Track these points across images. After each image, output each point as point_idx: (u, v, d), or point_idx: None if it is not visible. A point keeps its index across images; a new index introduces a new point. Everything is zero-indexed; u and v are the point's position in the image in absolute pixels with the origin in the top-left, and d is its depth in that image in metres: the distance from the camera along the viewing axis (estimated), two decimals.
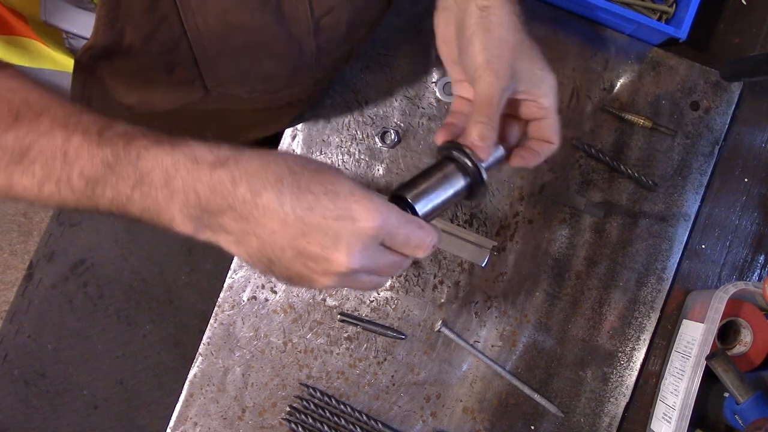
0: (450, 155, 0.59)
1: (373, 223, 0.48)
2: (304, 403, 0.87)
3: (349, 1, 0.69)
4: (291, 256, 0.49)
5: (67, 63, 0.68)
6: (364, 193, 0.49)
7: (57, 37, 0.64)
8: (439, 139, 0.62)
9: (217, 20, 0.59)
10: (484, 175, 0.58)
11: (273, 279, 0.88)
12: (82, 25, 0.60)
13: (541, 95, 0.62)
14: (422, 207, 0.56)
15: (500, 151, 0.62)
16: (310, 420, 0.87)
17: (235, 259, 0.89)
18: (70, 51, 0.66)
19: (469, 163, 0.58)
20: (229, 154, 0.47)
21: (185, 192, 0.46)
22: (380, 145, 0.90)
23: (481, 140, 0.57)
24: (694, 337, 0.83)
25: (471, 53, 0.59)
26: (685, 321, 0.88)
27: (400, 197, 0.56)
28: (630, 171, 0.90)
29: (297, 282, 0.52)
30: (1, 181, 0.48)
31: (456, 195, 0.58)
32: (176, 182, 0.46)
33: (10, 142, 0.46)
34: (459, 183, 0.58)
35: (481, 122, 0.58)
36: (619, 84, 0.92)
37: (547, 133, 0.63)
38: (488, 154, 0.58)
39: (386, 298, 0.89)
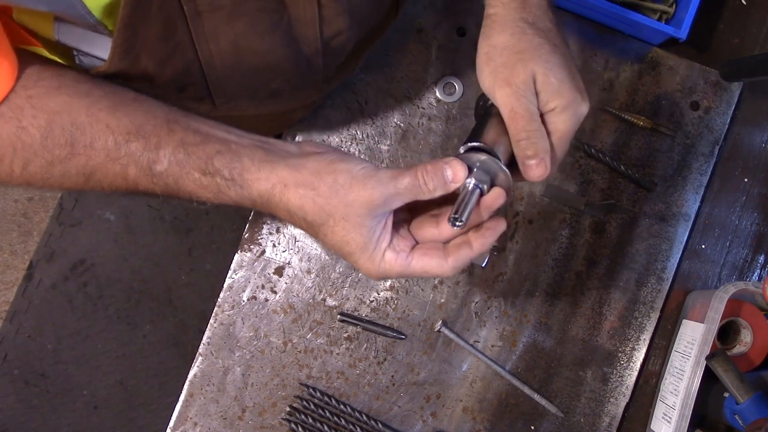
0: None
1: (377, 273, 0.56)
2: (304, 403, 0.87)
3: (358, 22, 0.69)
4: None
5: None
6: (366, 246, 0.54)
7: (68, 56, 0.64)
8: None
9: (228, 44, 0.60)
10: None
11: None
12: (96, 45, 0.60)
13: (554, 113, 0.58)
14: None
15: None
16: (310, 420, 0.87)
17: (235, 259, 0.89)
18: (81, 69, 0.66)
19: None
20: (268, 193, 0.53)
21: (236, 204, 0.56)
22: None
23: (532, 157, 0.56)
24: (694, 337, 0.83)
25: (479, 65, 0.59)
26: (685, 321, 0.88)
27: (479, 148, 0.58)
28: (630, 171, 0.90)
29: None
30: (72, 189, 0.56)
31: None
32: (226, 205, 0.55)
33: (73, 170, 0.52)
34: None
35: (521, 139, 0.56)
36: (618, 84, 0.92)
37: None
38: (542, 171, 0.57)
39: (386, 298, 0.89)
